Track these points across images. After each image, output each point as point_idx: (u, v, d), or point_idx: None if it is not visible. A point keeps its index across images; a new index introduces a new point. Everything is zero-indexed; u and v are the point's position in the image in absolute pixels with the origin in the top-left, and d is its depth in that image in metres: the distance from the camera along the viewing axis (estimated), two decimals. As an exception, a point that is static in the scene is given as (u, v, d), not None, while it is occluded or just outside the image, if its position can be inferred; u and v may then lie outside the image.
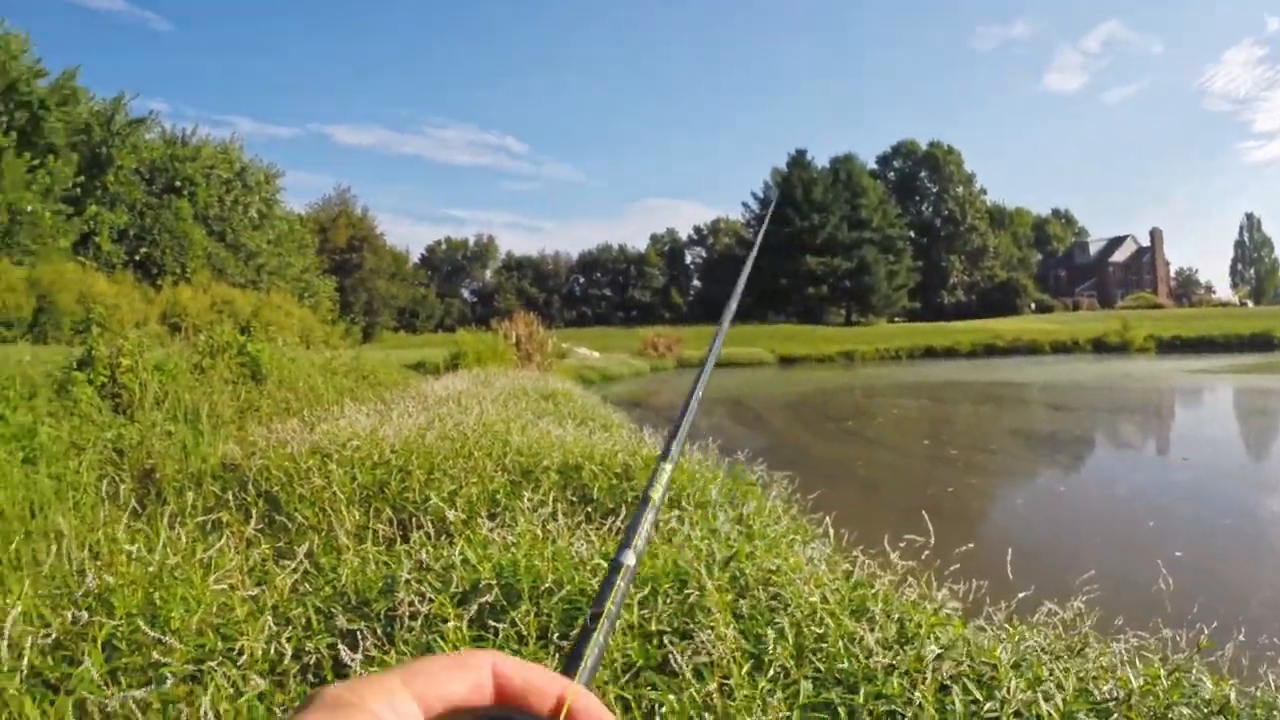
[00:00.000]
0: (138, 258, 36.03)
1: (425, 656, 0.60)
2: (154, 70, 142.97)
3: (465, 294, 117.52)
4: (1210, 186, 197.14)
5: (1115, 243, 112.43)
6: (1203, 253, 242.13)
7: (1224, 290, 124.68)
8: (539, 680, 0.61)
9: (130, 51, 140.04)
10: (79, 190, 34.79)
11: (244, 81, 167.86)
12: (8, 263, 26.26)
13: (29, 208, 30.25)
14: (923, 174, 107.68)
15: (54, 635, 3.23)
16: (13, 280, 23.65)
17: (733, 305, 1.63)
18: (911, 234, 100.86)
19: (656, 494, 1.06)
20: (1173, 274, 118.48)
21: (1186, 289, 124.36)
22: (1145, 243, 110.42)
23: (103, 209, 35.22)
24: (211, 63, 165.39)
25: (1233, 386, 31.10)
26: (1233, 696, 3.07)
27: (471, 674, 0.59)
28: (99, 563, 3.79)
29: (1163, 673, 3.21)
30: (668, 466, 1.15)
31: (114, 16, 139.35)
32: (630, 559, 0.92)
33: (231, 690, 2.98)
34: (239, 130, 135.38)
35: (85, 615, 3.39)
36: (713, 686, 2.97)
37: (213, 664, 3.15)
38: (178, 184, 41.01)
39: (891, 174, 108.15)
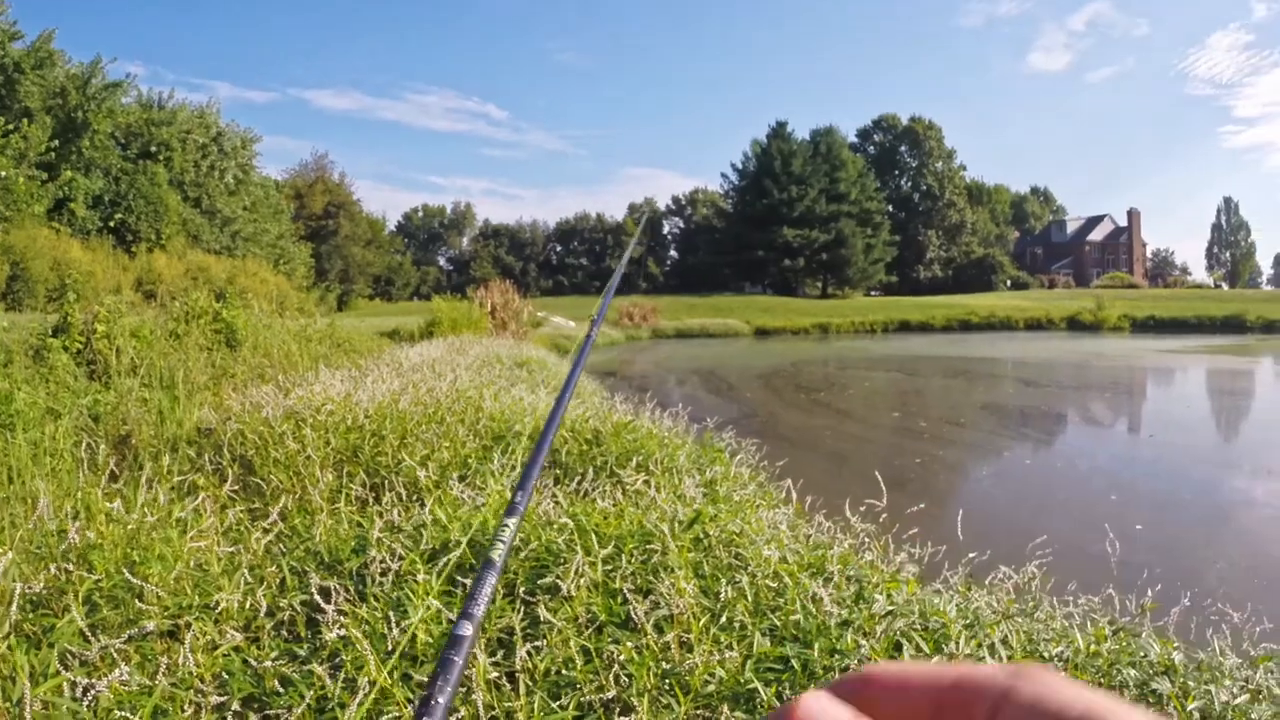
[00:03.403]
0: (112, 224, 35.64)
1: None
2: (132, 33, 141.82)
3: (441, 262, 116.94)
4: (1189, 169, 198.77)
5: (1093, 222, 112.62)
6: (1179, 234, 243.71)
7: (1199, 272, 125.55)
8: None
9: (108, 14, 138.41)
10: (53, 155, 34.37)
11: (223, 46, 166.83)
12: (-19, 229, 26.09)
13: (2, 173, 29.91)
14: (903, 148, 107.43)
15: (37, 590, 3.32)
16: (-14, 247, 23.53)
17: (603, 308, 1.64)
18: (890, 208, 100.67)
19: (498, 554, 1.05)
20: (1149, 255, 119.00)
21: (1162, 270, 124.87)
22: (1123, 223, 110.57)
23: (77, 174, 34.77)
24: (190, 26, 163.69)
25: (1203, 367, 31.42)
26: (1178, 659, 3.19)
27: None
28: (78, 522, 3.87)
29: (1108, 632, 3.34)
30: (512, 522, 1.14)
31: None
32: (468, 630, 0.88)
33: (208, 642, 3.08)
34: (217, 95, 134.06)
35: (70, 568, 3.49)
36: (670, 637, 3.08)
37: (189, 619, 3.25)
38: (153, 149, 40.55)
39: (871, 147, 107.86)
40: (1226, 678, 3.12)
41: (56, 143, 34.67)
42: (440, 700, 0.81)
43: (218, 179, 45.42)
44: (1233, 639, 3.43)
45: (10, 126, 32.16)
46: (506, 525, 1.12)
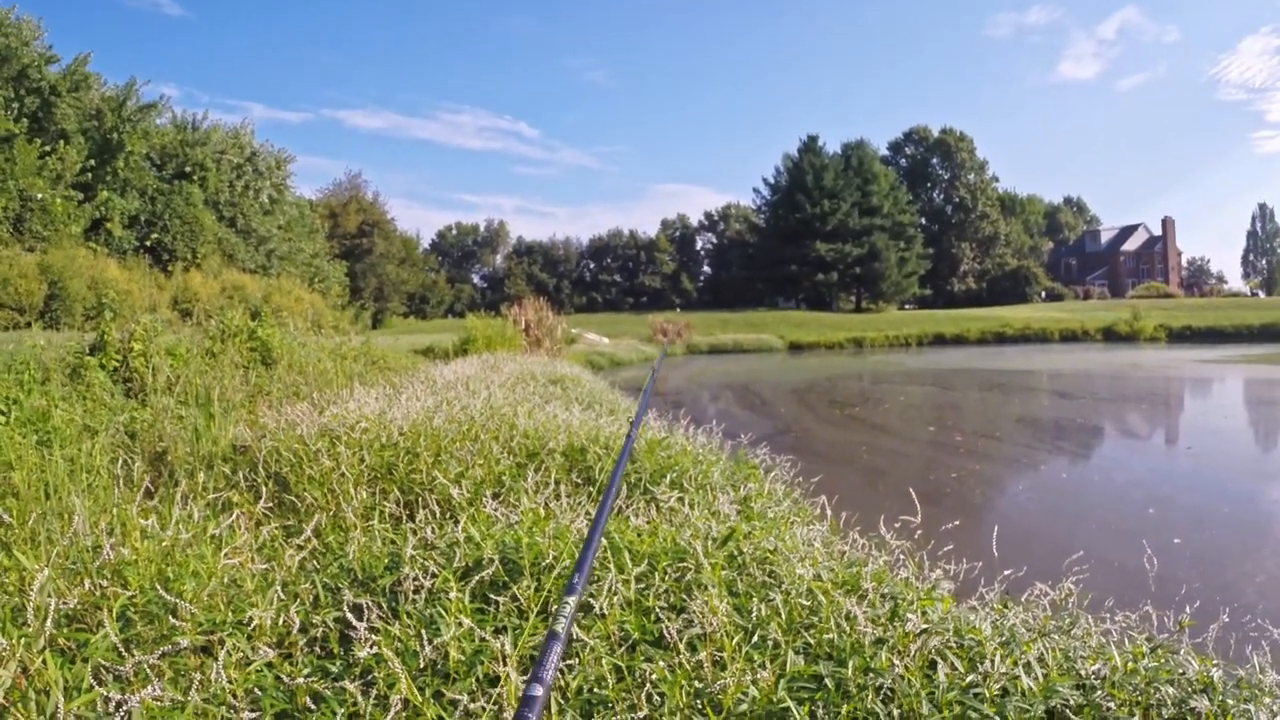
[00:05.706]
0: (149, 243, 35.98)
1: None
2: (166, 56, 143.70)
3: (475, 279, 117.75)
4: (1223, 176, 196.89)
5: (1127, 231, 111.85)
6: (1215, 243, 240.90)
7: (1235, 280, 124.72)
8: None
9: (143, 37, 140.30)
10: (90, 176, 34.76)
11: (256, 66, 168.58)
12: (19, 249, 26.36)
13: (40, 194, 30.24)
14: (934, 160, 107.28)
15: (72, 605, 3.34)
16: (24, 267, 23.75)
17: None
18: (922, 221, 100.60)
19: (561, 628, 1.15)
20: (1184, 264, 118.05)
21: (1198, 279, 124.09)
22: (1157, 232, 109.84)
23: (114, 195, 35.14)
24: (223, 48, 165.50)
25: (1241, 377, 31.12)
26: (1217, 676, 3.14)
27: None
28: (113, 538, 3.89)
29: (1146, 650, 3.29)
30: (571, 600, 1.24)
31: (126, 1, 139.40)
32: (539, 691, 0.97)
33: (241, 658, 3.08)
34: (251, 115, 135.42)
35: (105, 584, 3.50)
36: (703, 656, 3.06)
37: (223, 634, 3.26)
38: (188, 169, 40.91)
39: (903, 160, 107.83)
40: (1266, 695, 3.07)
41: (93, 164, 35.09)
42: None
43: (252, 198, 45.81)
44: (1273, 656, 3.37)
45: (47, 148, 32.61)
46: (567, 603, 1.25)
